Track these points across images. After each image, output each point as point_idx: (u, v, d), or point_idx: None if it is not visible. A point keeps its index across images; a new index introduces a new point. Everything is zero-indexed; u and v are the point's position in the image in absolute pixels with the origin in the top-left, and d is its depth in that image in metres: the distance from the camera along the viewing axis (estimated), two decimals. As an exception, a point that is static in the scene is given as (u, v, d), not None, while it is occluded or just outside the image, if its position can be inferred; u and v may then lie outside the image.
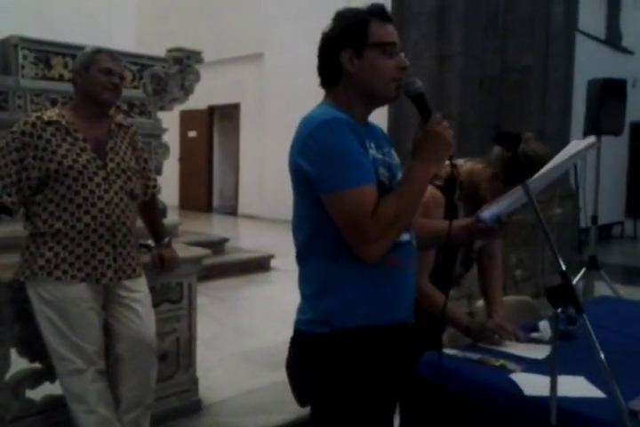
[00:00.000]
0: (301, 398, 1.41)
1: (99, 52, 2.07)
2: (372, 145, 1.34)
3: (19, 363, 2.22)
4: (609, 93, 4.26)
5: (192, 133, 11.18)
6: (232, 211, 10.76)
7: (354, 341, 1.31)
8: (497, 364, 1.54)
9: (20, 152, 1.94)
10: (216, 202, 11.12)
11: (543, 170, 1.42)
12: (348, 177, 1.23)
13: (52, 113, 2.02)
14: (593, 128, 3.93)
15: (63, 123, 2.00)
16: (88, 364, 1.99)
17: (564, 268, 1.13)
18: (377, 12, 1.35)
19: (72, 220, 1.97)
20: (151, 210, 2.36)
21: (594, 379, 1.41)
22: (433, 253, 1.87)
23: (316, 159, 1.25)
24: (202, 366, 2.88)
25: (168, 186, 9.71)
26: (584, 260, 3.85)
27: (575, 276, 3.81)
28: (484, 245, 2.00)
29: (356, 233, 1.24)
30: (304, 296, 1.38)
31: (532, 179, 1.37)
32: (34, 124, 1.96)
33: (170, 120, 8.76)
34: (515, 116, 6.29)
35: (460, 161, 1.93)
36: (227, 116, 10.88)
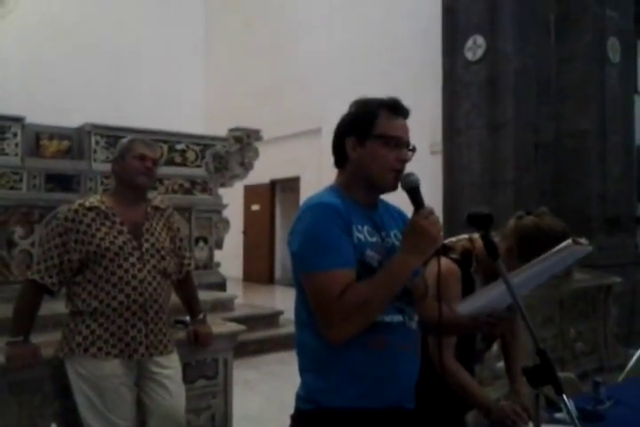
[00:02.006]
0: None
1: (133, 140, 2.26)
2: (365, 229, 1.36)
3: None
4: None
5: (255, 207, 11.54)
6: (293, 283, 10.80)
7: (338, 421, 1.31)
8: (510, 447, 1.47)
9: (62, 237, 2.10)
10: (278, 274, 11.21)
11: (526, 266, 1.36)
12: (320, 260, 1.28)
13: (93, 199, 2.20)
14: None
15: (103, 208, 2.16)
16: (120, 439, 2.04)
17: (541, 346, 1.10)
18: (389, 105, 1.39)
19: (107, 298, 2.08)
20: (186, 287, 2.45)
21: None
22: None
23: (299, 240, 1.33)
24: (242, 443, 2.86)
25: (232, 259, 10.06)
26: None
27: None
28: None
29: (321, 314, 1.28)
30: (299, 370, 1.41)
31: (514, 272, 1.32)
32: (76, 211, 2.14)
33: (234, 195, 9.15)
34: (573, 182, 6.18)
35: (475, 235, 1.94)
36: (288, 188, 11.20)
